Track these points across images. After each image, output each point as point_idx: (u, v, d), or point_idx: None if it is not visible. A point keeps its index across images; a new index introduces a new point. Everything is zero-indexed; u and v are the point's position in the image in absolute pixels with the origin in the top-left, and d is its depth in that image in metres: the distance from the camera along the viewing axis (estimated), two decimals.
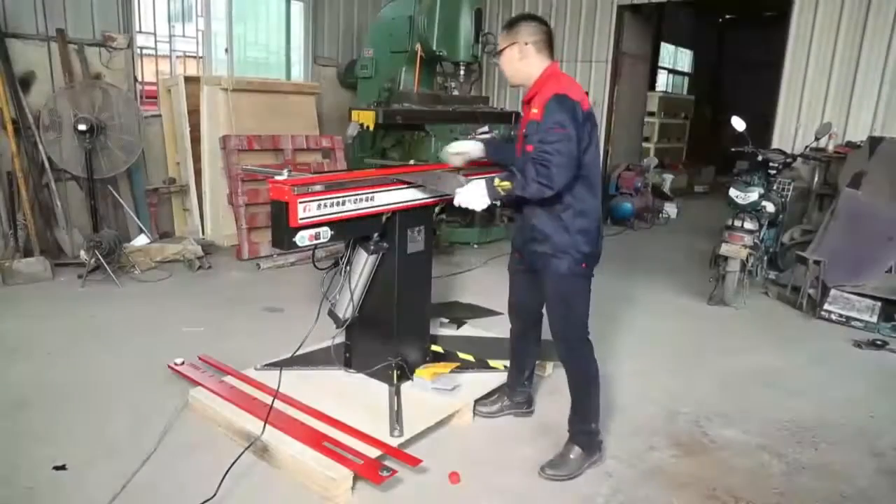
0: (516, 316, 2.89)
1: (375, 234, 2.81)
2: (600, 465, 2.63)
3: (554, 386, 3.19)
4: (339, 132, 6.54)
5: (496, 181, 2.40)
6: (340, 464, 2.34)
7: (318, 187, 2.42)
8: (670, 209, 8.47)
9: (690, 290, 5.11)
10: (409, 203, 2.80)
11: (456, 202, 2.50)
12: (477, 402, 2.97)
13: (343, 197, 2.51)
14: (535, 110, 2.43)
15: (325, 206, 2.45)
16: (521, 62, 2.52)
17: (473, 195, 2.44)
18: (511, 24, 2.55)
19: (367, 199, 2.61)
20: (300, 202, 2.35)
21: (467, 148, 2.89)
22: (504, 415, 2.98)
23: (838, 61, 6.23)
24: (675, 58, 13.58)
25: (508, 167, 2.73)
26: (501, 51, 2.55)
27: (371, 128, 5.28)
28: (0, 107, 4.86)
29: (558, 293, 2.55)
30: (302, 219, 2.37)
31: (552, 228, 2.47)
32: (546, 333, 2.70)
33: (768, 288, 5.18)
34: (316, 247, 2.67)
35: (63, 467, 2.45)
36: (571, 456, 2.59)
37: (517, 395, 3.00)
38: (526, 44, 2.49)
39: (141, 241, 5.43)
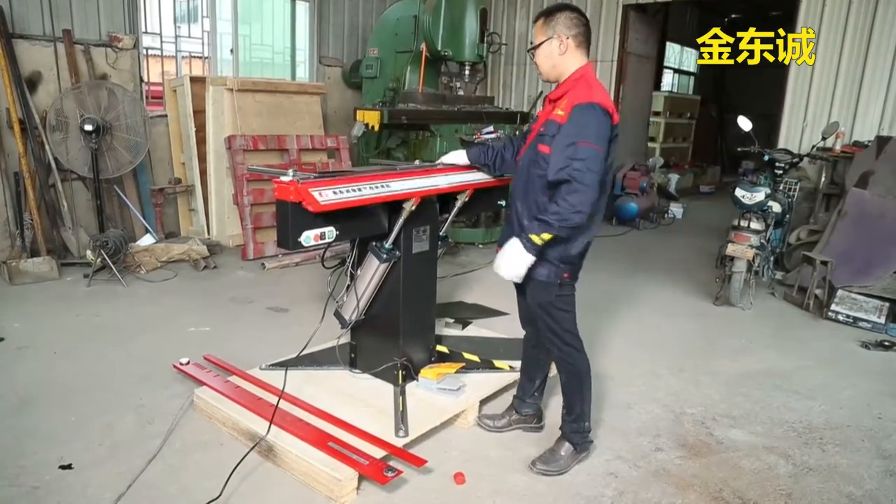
0: (527, 321, 2.76)
1: (389, 242, 2.78)
2: (586, 460, 2.64)
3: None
4: (345, 132, 6.55)
5: (533, 236, 2.22)
6: (345, 464, 2.34)
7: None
8: (676, 209, 8.45)
9: (696, 291, 5.10)
10: (423, 189, 2.74)
11: (495, 267, 2.34)
12: (483, 416, 2.90)
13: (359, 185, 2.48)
14: (559, 112, 2.27)
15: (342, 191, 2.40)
16: (561, 57, 2.33)
17: (512, 260, 2.27)
18: (549, 15, 2.33)
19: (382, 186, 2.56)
20: (311, 190, 2.28)
21: (453, 160, 2.91)
22: (512, 429, 2.84)
23: (845, 60, 6.20)
24: (681, 57, 13.54)
25: (488, 165, 2.82)
26: (539, 45, 2.34)
27: (376, 128, 5.29)
28: (7, 107, 4.89)
29: (537, 302, 2.47)
30: (324, 202, 2.29)
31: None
32: None
33: (775, 288, 5.15)
34: (329, 245, 2.64)
35: (69, 466, 2.46)
36: (562, 452, 2.59)
37: (526, 406, 2.85)
38: (567, 38, 2.30)
39: (146, 241, 5.45)
